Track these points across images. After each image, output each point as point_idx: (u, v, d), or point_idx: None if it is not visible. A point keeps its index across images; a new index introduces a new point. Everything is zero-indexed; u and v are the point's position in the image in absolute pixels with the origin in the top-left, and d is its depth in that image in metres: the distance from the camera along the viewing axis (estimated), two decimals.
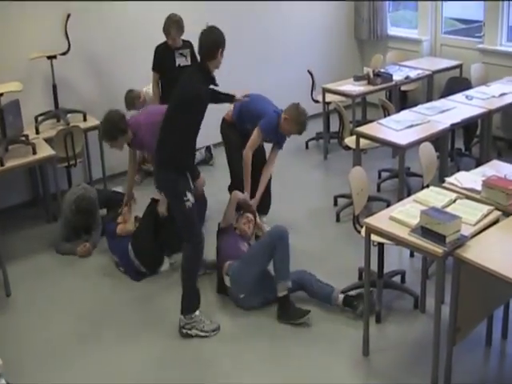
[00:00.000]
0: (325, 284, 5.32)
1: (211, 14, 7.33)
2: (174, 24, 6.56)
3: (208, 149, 8.27)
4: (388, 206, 6.02)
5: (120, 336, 5.12)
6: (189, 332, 5.06)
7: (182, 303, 5.09)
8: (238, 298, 5.34)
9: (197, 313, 5.08)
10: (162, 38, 6.77)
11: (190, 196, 4.87)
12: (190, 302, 5.09)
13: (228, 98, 5.54)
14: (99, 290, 5.76)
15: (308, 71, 8.49)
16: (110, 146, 5.97)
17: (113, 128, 5.73)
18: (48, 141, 6.70)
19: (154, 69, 6.85)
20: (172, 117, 4.88)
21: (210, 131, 6.12)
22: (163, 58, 6.69)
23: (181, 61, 6.62)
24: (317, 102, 8.43)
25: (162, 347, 4.98)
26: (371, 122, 6.82)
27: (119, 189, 7.23)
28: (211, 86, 4.98)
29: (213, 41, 4.75)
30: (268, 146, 6.35)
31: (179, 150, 4.86)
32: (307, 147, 8.75)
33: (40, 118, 7.00)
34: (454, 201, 4.57)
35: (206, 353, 4.88)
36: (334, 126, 8.01)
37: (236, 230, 5.82)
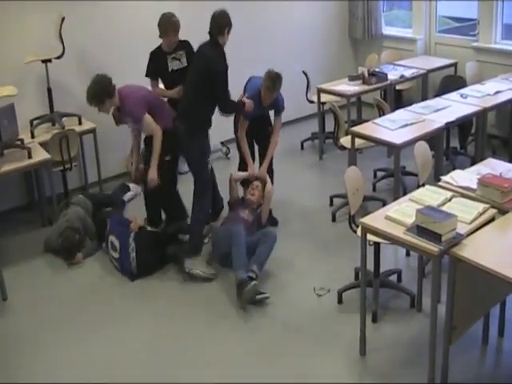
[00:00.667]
0: (258, 261, 5.60)
1: (204, 14, 7.37)
2: (171, 24, 6.35)
3: (223, 143, 8.40)
4: (384, 205, 6.02)
5: (118, 334, 5.12)
6: (192, 272, 5.77)
7: (189, 246, 5.95)
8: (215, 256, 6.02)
9: (199, 256, 5.91)
10: (159, 41, 6.73)
11: (210, 159, 6.06)
12: (195, 246, 5.94)
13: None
14: (96, 291, 5.76)
15: (303, 72, 8.50)
16: (98, 110, 6.00)
17: (101, 90, 5.85)
18: (43, 145, 6.71)
19: (147, 75, 6.53)
20: (198, 89, 5.70)
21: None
22: (157, 63, 6.53)
23: (174, 65, 6.47)
24: (312, 102, 8.45)
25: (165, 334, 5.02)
26: (366, 121, 6.82)
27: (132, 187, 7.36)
28: None
29: (223, 19, 5.69)
30: None
31: (206, 116, 5.85)
32: (302, 148, 8.76)
33: (35, 122, 6.99)
34: (450, 199, 4.58)
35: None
36: (329, 127, 8.02)
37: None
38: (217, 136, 7.90)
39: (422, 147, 5.63)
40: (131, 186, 7.34)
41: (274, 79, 6.30)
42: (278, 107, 6.61)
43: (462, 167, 5.43)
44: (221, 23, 5.66)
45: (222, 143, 8.43)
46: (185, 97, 5.95)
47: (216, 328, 5.17)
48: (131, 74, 7.48)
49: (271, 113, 6.78)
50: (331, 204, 7.01)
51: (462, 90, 7.34)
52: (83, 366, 4.81)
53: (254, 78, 6.76)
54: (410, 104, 7.13)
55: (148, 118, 5.96)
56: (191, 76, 5.83)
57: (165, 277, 5.91)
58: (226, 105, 5.94)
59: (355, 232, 5.10)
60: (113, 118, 6.39)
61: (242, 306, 5.28)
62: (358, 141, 6.49)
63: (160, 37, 6.32)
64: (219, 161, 7.97)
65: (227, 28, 5.69)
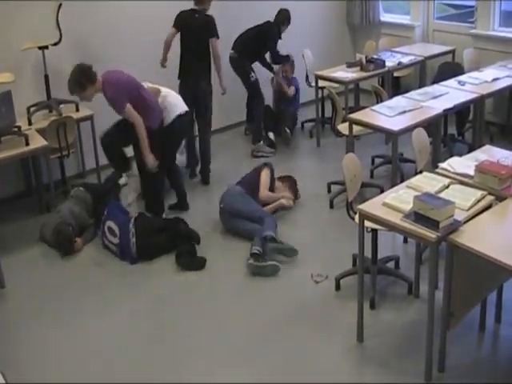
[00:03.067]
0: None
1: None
2: None
3: None
4: (381, 192, 6.03)
5: (117, 320, 5.13)
6: (258, 154, 8.06)
7: (253, 135, 8.26)
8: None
9: (260, 142, 8.20)
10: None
11: (253, 74, 8.18)
12: (257, 133, 8.21)
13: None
14: (94, 277, 5.76)
15: (303, 56, 8.53)
16: (80, 99, 6.15)
17: (82, 76, 5.91)
18: (40, 132, 6.68)
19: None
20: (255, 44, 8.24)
21: None
22: None
23: None
24: (312, 86, 8.43)
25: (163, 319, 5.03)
26: (364, 108, 6.82)
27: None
28: None
29: (285, 16, 8.31)
30: None
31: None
32: (302, 127, 8.92)
33: (32, 109, 6.96)
34: (447, 186, 4.58)
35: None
36: (329, 112, 8.02)
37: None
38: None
39: (420, 134, 5.63)
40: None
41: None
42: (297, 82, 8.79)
43: (460, 154, 5.45)
44: (283, 17, 8.25)
45: None
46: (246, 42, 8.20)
47: (213, 314, 5.18)
48: (128, 60, 7.50)
49: None
50: (329, 191, 7.01)
51: (460, 77, 7.33)
52: (82, 354, 4.82)
53: None
54: (408, 91, 7.14)
55: (129, 109, 5.96)
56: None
57: (164, 262, 5.92)
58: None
59: (353, 219, 5.10)
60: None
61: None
62: (355, 127, 6.49)
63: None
64: None
65: (286, 22, 8.29)
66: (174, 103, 6.44)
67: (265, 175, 6.57)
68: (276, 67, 8.52)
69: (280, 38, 8.28)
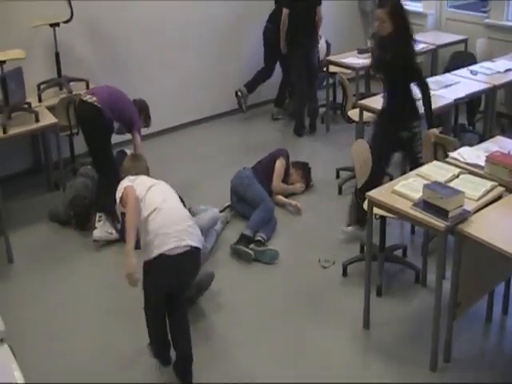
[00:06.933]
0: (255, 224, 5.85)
1: None
2: None
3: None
4: (390, 179, 6.00)
5: (120, 306, 5.14)
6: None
7: None
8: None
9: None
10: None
11: None
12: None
13: None
14: (100, 259, 5.77)
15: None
16: None
17: None
18: (50, 109, 6.66)
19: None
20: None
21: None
22: None
23: None
24: (323, 71, 8.39)
25: None
26: (375, 95, 6.78)
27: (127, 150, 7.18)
28: None
29: None
30: None
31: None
32: None
33: (42, 86, 6.95)
34: (457, 176, 4.57)
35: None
36: (340, 97, 7.99)
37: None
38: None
39: None
40: (128, 151, 7.29)
41: None
42: None
43: (470, 144, 5.42)
44: None
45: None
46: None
47: (217, 298, 5.19)
48: (140, 38, 7.48)
49: None
50: (338, 177, 7.00)
51: (472, 67, 7.29)
52: (85, 331, 4.87)
53: None
54: None
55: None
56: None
57: None
58: None
59: (361, 206, 5.10)
60: None
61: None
62: (365, 114, 6.46)
63: None
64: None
65: None
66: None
67: (280, 165, 6.56)
68: None
69: None
